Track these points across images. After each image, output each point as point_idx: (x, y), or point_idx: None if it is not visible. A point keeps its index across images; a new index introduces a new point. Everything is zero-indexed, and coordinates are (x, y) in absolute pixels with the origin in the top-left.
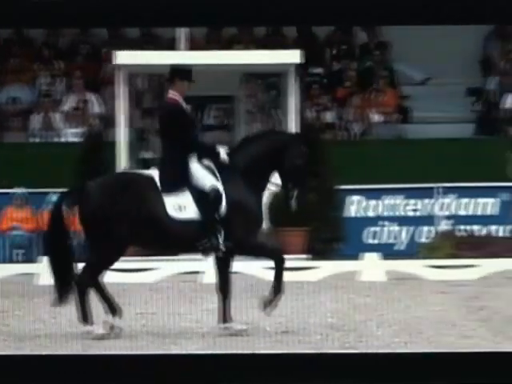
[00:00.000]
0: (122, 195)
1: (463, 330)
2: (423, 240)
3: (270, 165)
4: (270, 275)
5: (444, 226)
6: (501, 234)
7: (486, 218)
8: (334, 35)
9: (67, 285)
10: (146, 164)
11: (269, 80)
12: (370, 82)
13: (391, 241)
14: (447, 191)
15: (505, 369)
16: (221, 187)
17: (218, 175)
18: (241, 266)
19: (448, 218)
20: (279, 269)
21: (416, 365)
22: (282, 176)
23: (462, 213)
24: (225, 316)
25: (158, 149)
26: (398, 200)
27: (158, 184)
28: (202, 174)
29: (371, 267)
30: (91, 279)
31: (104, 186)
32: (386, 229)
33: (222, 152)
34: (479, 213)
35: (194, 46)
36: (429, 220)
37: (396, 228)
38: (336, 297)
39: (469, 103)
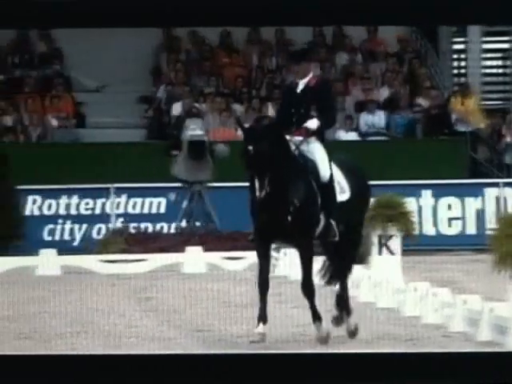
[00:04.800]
0: None
1: (131, 320)
2: (97, 236)
3: None
4: None
5: (117, 223)
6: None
7: (154, 216)
8: (15, 44)
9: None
10: None
11: None
12: (48, 88)
13: (67, 237)
14: (120, 191)
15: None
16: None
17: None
18: None
19: (120, 216)
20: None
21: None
22: None
23: (133, 211)
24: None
25: None
26: (74, 199)
27: None
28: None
29: (47, 262)
30: None
31: None
32: (62, 226)
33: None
34: (148, 211)
35: None
36: (103, 218)
37: (72, 225)
38: (13, 290)
39: (141, 110)
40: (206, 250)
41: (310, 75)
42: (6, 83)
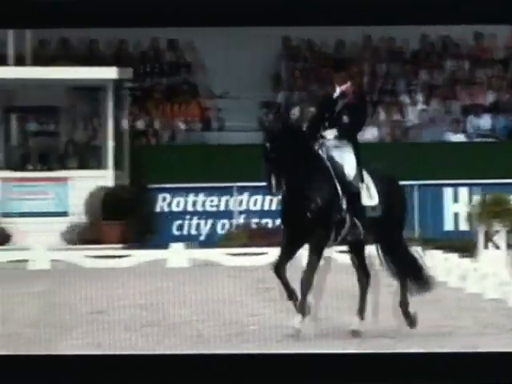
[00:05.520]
0: None
1: (252, 309)
2: (222, 231)
3: None
4: None
5: (240, 219)
6: None
7: (274, 213)
8: (147, 54)
9: None
10: None
11: (89, 93)
12: (177, 95)
13: (195, 232)
14: (242, 189)
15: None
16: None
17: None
18: None
19: (242, 212)
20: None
21: (416, 365)
22: None
23: (254, 208)
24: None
25: None
26: (200, 197)
27: None
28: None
29: (177, 255)
30: None
31: None
32: (190, 222)
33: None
34: (268, 208)
35: (19, 62)
36: (226, 214)
37: (199, 221)
38: (146, 281)
39: (262, 114)
40: None
41: (347, 85)
42: (139, 90)
